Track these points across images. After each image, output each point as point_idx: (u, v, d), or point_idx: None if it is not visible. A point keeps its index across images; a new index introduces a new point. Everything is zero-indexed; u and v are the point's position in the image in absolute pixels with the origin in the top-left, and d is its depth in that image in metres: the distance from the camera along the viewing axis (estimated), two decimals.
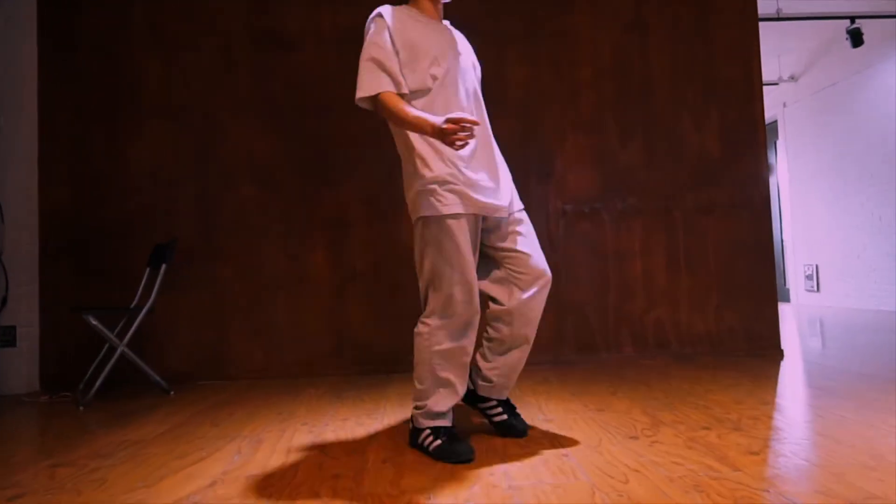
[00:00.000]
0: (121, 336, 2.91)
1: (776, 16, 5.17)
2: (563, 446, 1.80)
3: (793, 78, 6.94)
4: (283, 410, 2.48)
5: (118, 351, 2.85)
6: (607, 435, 1.91)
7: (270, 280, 3.36)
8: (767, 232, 3.54)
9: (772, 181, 7.48)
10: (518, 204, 1.92)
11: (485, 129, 1.86)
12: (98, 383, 2.79)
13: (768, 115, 7.03)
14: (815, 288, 6.73)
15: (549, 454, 1.73)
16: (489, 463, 1.67)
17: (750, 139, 3.54)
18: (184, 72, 3.42)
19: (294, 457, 1.81)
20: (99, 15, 3.40)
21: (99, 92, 3.38)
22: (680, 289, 3.47)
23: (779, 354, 3.42)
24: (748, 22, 3.56)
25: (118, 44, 3.40)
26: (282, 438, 2.03)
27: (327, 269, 3.38)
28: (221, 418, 2.38)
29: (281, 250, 3.38)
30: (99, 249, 3.33)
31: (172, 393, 2.97)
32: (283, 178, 3.41)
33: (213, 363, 3.32)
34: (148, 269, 3.18)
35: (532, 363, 3.35)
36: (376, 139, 3.40)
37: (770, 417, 2.05)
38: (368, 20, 1.84)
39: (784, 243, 7.41)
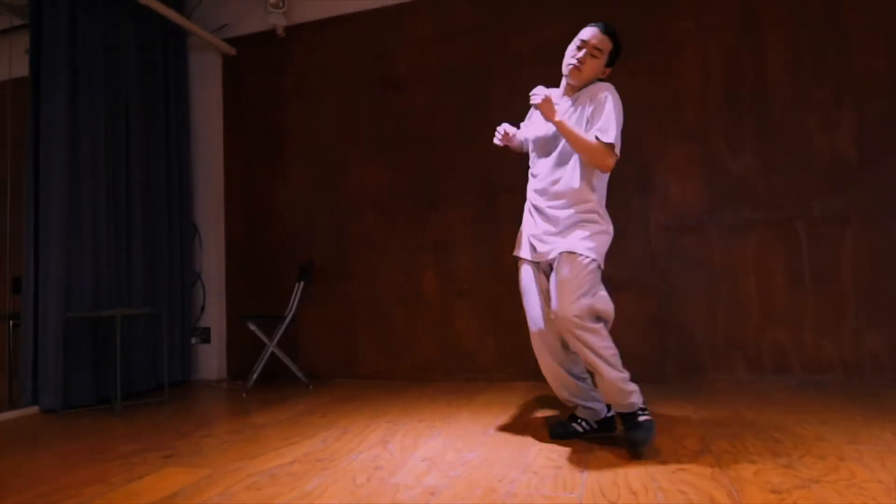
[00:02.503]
0: (274, 338, 3.64)
1: None
2: (588, 464, 1.91)
3: None
4: (378, 408, 2.91)
5: (269, 350, 3.58)
6: (643, 460, 1.95)
7: (389, 295, 3.86)
8: None
9: None
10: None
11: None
12: (255, 375, 3.55)
13: None
14: None
15: (569, 469, 1.87)
16: (507, 469, 1.87)
17: None
18: (318, 118, 4.11)
19: (361, 447, 2.20)
20: (260, 76, 4.26)
21: (259, 141, 4.24)
22: (804, 308, 3.14)
23: None
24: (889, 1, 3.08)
25: (273, 99, 4.22)
26: (363, 432, 2.45)
27: (436, 286, 3.77)
28: (330, 411, 2.89)
29: (397, 269, 3.86)
30: (264, 268, 4.17)
31: (311, 387, 3.61)
32: (397, 205, 3.89)
33: (345, 364, 3.92)
34: (296, 285, 3.90)
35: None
36: (474, 167, 3.71)
37: (842, 459, 1.87)
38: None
39: None
